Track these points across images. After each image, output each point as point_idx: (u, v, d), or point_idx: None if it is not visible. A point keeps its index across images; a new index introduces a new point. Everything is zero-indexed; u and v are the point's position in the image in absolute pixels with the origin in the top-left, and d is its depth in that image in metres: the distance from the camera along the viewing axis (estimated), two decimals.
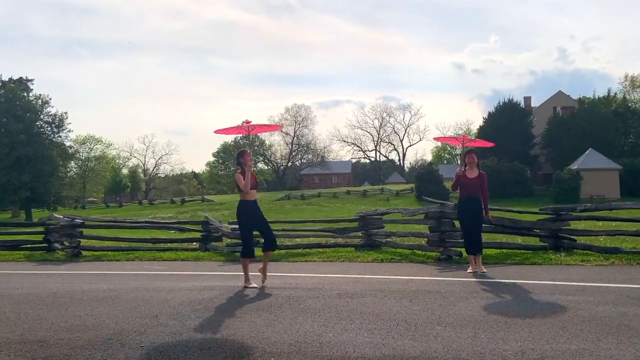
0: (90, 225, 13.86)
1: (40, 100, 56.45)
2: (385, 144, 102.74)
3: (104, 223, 15.17)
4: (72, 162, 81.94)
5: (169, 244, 13.46)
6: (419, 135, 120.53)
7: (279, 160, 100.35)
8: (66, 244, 13.15)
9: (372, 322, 4.99)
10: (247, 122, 7.77)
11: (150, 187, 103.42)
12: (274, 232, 13.06)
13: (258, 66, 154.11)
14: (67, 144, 62.37)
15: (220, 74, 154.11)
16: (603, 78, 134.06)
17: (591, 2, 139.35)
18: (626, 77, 71.67)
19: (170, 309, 5.80)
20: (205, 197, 70.91)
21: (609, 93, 61.18)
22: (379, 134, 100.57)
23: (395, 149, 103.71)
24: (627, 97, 66.39)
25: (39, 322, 5.36)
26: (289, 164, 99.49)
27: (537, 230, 10.29)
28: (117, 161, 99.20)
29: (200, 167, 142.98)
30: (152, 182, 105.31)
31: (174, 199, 69.30)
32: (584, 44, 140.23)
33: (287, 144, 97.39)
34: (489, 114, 59.77)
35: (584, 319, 4.87)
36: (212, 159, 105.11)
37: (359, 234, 11.87)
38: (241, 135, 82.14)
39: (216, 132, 7.97)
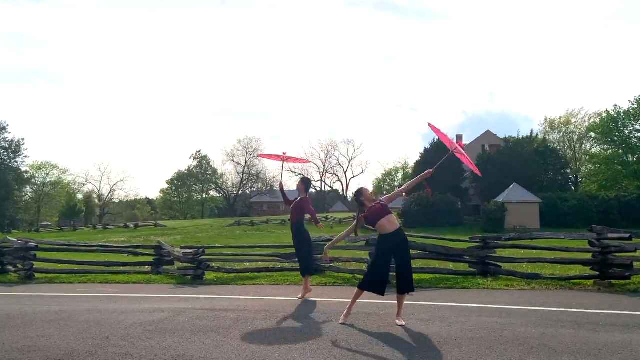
0: (43, 248, 13.31)
1: None
2: (330, 175, 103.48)
3: (57, 246, 14.57)
4: (28, 186, 79.04)
5: (121, 267, 13.07)
6: (362, 168, 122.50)
7: (230, 189, 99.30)
8: (19, 266, 12.59)
9: (315, 342, 4.97)
10: (284, 153, 8.89)
11: (104, 212, 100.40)
12: (226, 256, 13.00)
13: (211, 98, 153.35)
14: (24, 169, 60.25)
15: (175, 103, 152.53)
16: (526, 119, 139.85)
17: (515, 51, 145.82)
18: (546, 119, 74.93)
19: (122, 331, 5.62)
20: (158, 222, 69.35)
21: (531, 133, 63.60)
22: (324, 166, 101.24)
23: (340, 180, 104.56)
24: (547, 137, 69.27)
25: None
26: (240, 192, 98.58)
27: (467, 257, 10.52)
28: (73, 186, 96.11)
29: (154, 193, 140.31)
30: (107, 207, 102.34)
31: (128, 223, 67.37)
32: (509, 88, 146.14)
33: (238, 173, 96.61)
34: (425, 149, 61.06)
35: (508, 339, 5.00)
36: (166, 185, 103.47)
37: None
38: (195, 164, 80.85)
39: (260, 156, 8.66)
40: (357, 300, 6.07)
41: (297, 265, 11.62)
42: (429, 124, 7.23)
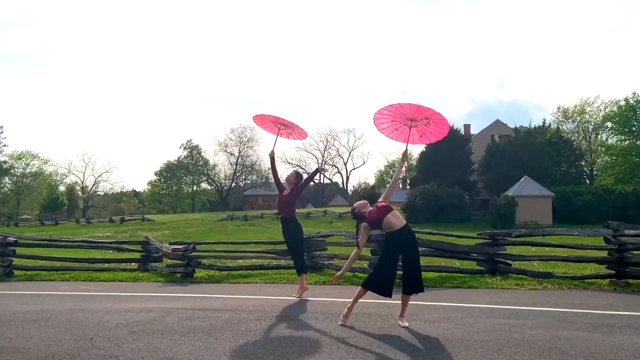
0: (23, 244, 13.31)
1: None
2: (330, 166, 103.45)
3: (38, 242, 14.58)
4: (6, 177, 78.91)
5: (106, 264, 13.09)
6: (363, 159, 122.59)
7: (222, 181, 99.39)
8: None
9: (313, 345, 4.98)
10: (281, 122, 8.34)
11: (88, 206, 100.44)
12: (218, 253, 13.01)
13: (203, 85, 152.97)
14: (2, 159, 60.18)
15: (165, 91, 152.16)
16: (538, 108, 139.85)
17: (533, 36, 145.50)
18: (559, 108, 74.88)
19: (107, 331, 5.62)
20: (145, 216, 69.44)
21: (543, 123, 63.60)
22: (323, 157, 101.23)
23: (339, 172, 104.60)
24: (560, 127, 69.25)
25: None
26: (233, 184, 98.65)
27: (475, 255, 10.54)
28: (54, 178, 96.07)
29: (141, 185, 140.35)
30: (91, 200, 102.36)
31: (113, 217, 67.47)
32: (521, 74, 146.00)
33: (231, 164, 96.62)
34: None
35: (518, 342, 5.01)
36: (154, 177, 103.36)
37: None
38: (185, 154, 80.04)
39: (254, 117, 8.29)
40: (359, 300, 6.05)
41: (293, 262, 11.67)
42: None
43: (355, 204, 6.24)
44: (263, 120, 8.53)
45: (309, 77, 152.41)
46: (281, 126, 8.49)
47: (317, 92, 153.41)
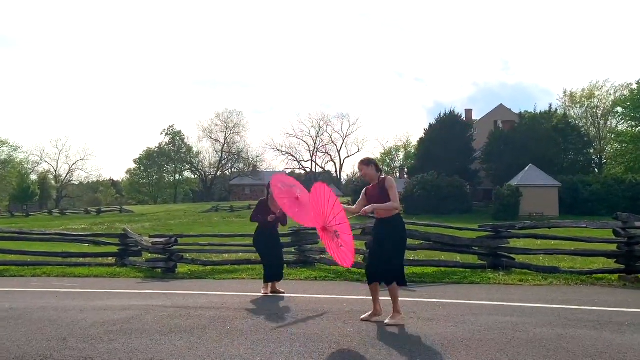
0: None
1: None
2: (322, 154, 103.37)
3: (8, 234, 14.51)
4: None
5: (81, 259, 13.05)
6: (358, 146, 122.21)
7: (207, 169, 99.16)
8: None
9: (303, 345, 4.97)
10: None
11: (62, 196, 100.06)
12: (202, 247, 12.99)
13: (186, 66, 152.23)
14: None
15: (144, 73, 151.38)
16: (544, 92, 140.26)
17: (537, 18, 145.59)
18: (565, 92, 74.97)
19: (81, 331, 5.60)
20: (124, 207, 69.32)
21: (550, 108, 63.64)
22: (315, 144, 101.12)
23: (332, 160, 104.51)
24: (568, 112, 69.39)
25: None
26: (218, 173, 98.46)
27: (476, 248, 10.58)
28: (25, 166, 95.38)
29: (119, 174, 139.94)
30: (65, 189, 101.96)
31: (89, 209, 67.24)
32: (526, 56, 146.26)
33: (216, 151, 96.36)
34: (430, 125, 61.10)
35: (522, 341, 5.03)
36: (133, 165, 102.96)
37: (292, 249, 11.85)
38: (167, 141, 79.50)
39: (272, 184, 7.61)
40: (356, 298, 6.11)
41: (284, 257, 11.69)
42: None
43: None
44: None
45: (301, 58, 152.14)
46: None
47: (309, 74, 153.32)
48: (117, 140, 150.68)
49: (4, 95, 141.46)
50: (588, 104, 71.83)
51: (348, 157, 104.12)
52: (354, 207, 6.35)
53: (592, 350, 4.69)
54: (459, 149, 56.64)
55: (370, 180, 6.25)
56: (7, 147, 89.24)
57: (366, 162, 6.27)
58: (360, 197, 6.33)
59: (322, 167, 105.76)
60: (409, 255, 11.24)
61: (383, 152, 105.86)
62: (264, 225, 8.42)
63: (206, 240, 13.94)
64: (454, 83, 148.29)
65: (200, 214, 53.97)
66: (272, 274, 8.34)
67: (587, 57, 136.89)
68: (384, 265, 5.95)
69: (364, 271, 10.19)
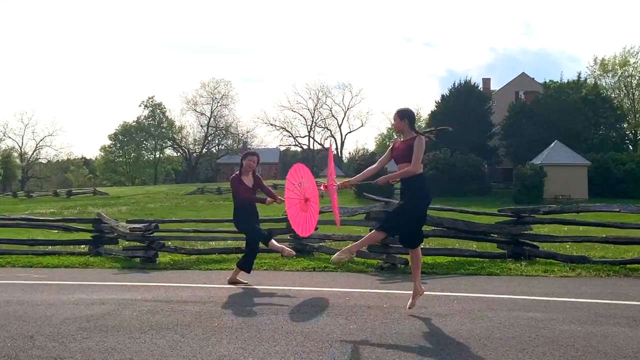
0: None
1: None
2: (321, 129, 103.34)
3: None
4: None
5: (50, 247, 13.07)
6: (361, 120, 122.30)
7: (191, 146, 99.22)
8: None
9: (300, 343, 4.97)
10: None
11: (28, 176, 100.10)
12: (185, 233, 12.99)
13: (167, 29, 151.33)
14: None
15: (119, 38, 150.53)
16: (572, 59, 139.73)
17: None
18: (595, 60, 74.59)
19: (50, 328, 5.60)
20: (97, 189, 69.38)
21: (578, 77, 63.45)
22: (313, 118, 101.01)
23: (333, 136, 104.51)
24: (598, 82, 69.14)
25: None
26: (204, 150, 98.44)
27: (495, 235, 10.58)
28: None
29: (92, 152, 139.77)
30: (31, 169, 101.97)
31: (58, 190, 67.43)
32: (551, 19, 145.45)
33: (201, 126, 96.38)
34: (442, 97, 61.09)
35: (547, 339, 5.02)
36: (107, 142, 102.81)
37: (287, 237, 11.85)
38: (146, 114, 79.75)
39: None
40: (359, 291, 6.12)
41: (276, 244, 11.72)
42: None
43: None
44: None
45: (297, 20, 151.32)
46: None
47: (306, 39, 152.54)
48: (89, 114, 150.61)
49: None
50: (621, 73, 71.60)
51: (350, 132, 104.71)
52: (375, 165, 6.60)
53: (627, 351, 4.68)
54: (476, 124, 56.57)
55: (401, 134, 6.27)
56: None
57: (401, 114, 6.23)
58: (386, 152, 6.42)
59: (320, 144, 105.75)
60: None
61: (390, 126, 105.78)
62: (247, 201, 8.59)
63: (190, 226, 13.92)
64: (469, 49, 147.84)
65: (184, 196, 54.05)
66: (262, 237, 8.49)
67: (621, 20, 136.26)
68: (394, 217, 6.14)
69: (366, 261, 10.24)
